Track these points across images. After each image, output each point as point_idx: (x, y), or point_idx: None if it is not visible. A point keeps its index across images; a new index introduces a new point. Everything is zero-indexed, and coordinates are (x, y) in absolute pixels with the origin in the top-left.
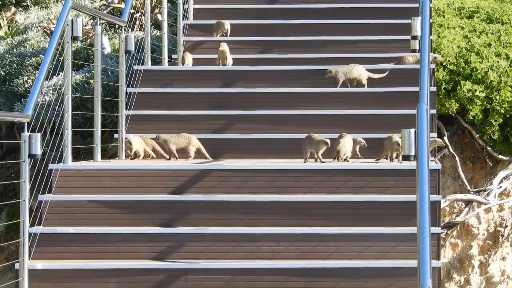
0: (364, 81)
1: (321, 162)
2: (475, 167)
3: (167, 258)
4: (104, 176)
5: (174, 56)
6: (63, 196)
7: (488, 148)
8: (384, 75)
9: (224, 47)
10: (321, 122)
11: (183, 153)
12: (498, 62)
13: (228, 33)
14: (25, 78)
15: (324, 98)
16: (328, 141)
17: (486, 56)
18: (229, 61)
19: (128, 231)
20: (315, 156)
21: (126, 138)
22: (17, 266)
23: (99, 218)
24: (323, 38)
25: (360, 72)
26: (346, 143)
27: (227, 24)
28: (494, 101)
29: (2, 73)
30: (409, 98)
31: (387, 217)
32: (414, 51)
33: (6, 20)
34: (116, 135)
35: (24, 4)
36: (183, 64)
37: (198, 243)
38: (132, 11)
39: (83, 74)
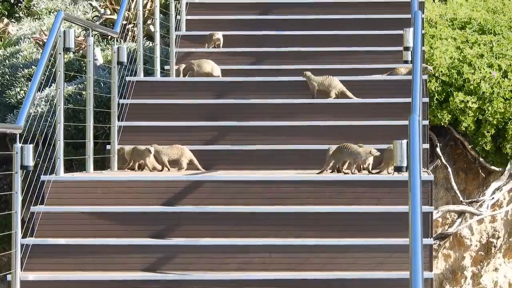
0: (333, 94)
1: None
2: (467, 178)
3: (159, 269)
4: (96, 188)
5: (166, 67)
6: (55, 207)
7: (481, 159)
8: (353, 98)
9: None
10: (314, 133)
11: (175, 164)
12: (490, 73)
13: (221, 44)
14: (18, 89)
15: (316, 109)
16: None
17: (478, 67)
18: (218, 72)
19: (121, 243)
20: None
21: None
22: (9, 277)
23: (91, 230)
24: (316, 49)
25: (335, 83)
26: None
27: (219, 35)
28: (486, 112)
29: None
30: (402, 109)
31: (379, 228)
32: (406, 62)
33: None
34: (108, 146)
35: (17, 15)
36: (178, 76)
37: (190, 254)
38: (125, 22)
39: (76, 85)
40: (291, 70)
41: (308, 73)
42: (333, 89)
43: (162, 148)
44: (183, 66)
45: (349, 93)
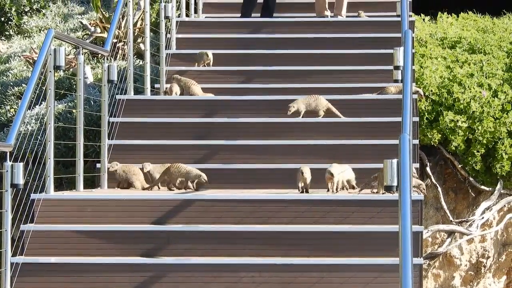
0: (321, 113)
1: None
2: (457, 197)
3: None
4: (86, 206)
5: (157, 85)
6: (45, 226)
7: (471, 179)
8: (340, 115)
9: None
10: (304, 152)
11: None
12: (480, 92)
13: (211, 63)
14: (8, 107)
15: (307, 128)
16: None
17: (468, 87)
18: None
19: (110, 261)
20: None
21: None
22: None
23: (81, 248)
24: (306, 68)
25: (322, 103)
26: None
27: (209, 54)
28: (476, 131)
29: None
30: (392, 128)
31: (369, 247)
32: (396, 81)
33: None
34: (98, 165)
35: (7, 33)
36: (170, 95)
37: (180, 273)
38: (115, 40)
39: (66, 104)
40: (280, 89)
41: (295, 104)
42: (321, 108)
43: (154, 166)
44: (174, 86)
45: (335, 111)
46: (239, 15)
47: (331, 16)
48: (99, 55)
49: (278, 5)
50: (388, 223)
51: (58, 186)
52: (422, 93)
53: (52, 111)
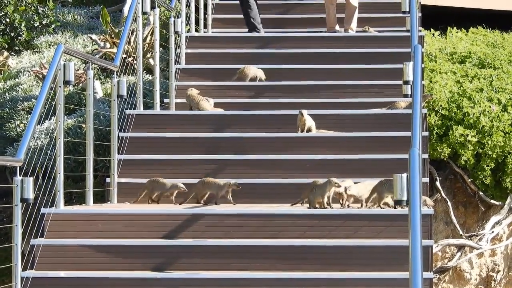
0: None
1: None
2: (467, 211)
3: None
4: (96, 221)
5: (166, 100)
6: (55, 240)
7: (480, 193)
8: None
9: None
10: (313, 167)
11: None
12: (490, 107)
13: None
14: (17, 122)
15: (316, 143)
16: None
17: (478, 101)
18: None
19: (120, 275)
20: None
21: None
22: None
23: (91, 262)
24: (315, 83)
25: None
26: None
27: (259, 72)
28: (486, 146)
29: None
30: (401, 143)
31: (379, 261)
32: (406, 96)
33: None
34: (108, 180)
35: (16, 48)
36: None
37: None
38: (124, 55)
39: (75, 119)
40: (290, 104)
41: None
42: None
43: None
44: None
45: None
46: (247, 30)
47: (341, 31)
48: (109, 70)
49: (287, 20)
50: (398, 237)
51: (68, 201)
52: (430, 95)
53: (62, 126)
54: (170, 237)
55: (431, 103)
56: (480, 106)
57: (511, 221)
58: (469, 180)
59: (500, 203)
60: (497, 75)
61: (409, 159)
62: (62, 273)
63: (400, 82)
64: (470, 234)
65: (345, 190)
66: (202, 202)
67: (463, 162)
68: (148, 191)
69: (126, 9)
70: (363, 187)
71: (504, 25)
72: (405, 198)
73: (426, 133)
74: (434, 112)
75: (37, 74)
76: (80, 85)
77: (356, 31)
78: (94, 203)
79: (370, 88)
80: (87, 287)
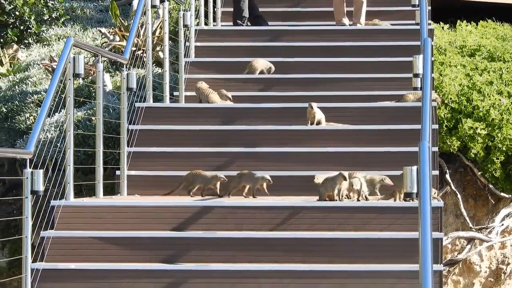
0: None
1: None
2: (477, 204)
3: None
4: (106, 213)
5: (175, 93)
6: (65, 232)
7: (490, 186)
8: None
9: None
10: (322, 160)
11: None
12: (499, 100)
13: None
14: (27, 115)
15: (326, 136)
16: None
17: (487, 94)
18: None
19: (130, 267)
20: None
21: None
22: None
23: (100, 254)
24: (324, 76)
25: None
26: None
27: (262, 64)
28: (495, 138)
29: (4, 110)
30: (411, 136)
31: (389, 254)
32: (415, 89)
33: (8, 57)
34: (118, 172)
35: (26, 41)
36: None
37: (199, 280)
38: (134, 48)
39: (85, 111)
40: (299, 97)
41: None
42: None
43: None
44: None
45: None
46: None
47: (350, 25)
48: (118, 63)
49: (296, 13)
50: (408, 229)
51: (78, 193)
52: (440, 100)
53: (72, 119)
54: (179, 229)
55: (441, 96)
56: (489, 99)
57: None
58: (479, 173)
59: (510, 195)
60: (507, 68)
61: (419, 152)
62: (72, 265)
63: (409, 75)
64: (480, 226)
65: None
66: (244, 195)
67: (473, 155)
68: (187, 183)
69: (135, 2)
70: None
71: None
72: (415, 190)
73: (436, 126)
74: (444, 105)
75: (47, 67)
76: (90, 78)
77: (367, 24)
78: (104, 195)
79: (379, 81)
80: (97, 279)
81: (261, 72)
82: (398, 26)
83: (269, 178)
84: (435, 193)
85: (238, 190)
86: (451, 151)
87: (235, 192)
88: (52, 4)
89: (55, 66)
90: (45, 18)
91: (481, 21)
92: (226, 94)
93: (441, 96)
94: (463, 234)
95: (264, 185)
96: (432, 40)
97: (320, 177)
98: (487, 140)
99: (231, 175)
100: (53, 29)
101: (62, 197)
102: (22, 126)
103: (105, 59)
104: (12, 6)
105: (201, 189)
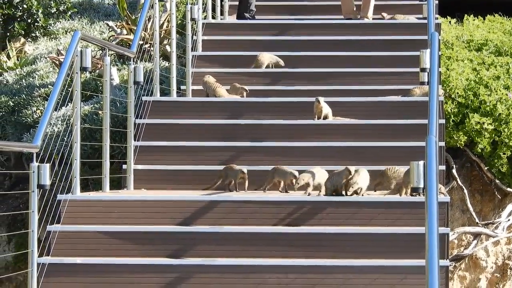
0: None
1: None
2: (483, 199)
3: None
4: (112, 207)
5: (183, 87)
6: (71, 226)
7: (497, 181)
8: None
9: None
10: (329, 154)
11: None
12: (506, 94)
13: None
14: (34, 108)
15: (332, 130)
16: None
17: (494, 89)
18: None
19: (136, 262)
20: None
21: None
22: None
23: (107, 249)
24: (331, 70)
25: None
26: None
27: (268, 58)
28: (502, 133)
29: (11, 103)
30: (417, 131)
31: (395, 249)
32: (423, 83)
33: (15, 50)
34: (124, 166)
35: (33, 35)
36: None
37: (205, 275)
38: (141, 42)
39: (92, 105)
40: (306, 91)
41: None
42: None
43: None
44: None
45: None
46: (264, 17)
47: (358, 18)
48: (125, 56)
49: (304, 7)
50: (414, 224)
51: (84, 187)
52: (442, 93)
53: (79, 113)
54: (186, 223)
55: (448, 90)
56: (496, 94)
57: None
58: (486, 168)
59: None
60: None
61: (426, 146)
62: (78, 260)
63: (416, 69)
64: (486, 222)
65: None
66: (280, 190)
67: (480, 150)
68: (223, 178)
69: None
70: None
71: None
72: (421, 185)
73: (443, 121)
74: (451, 99)
75: (54, 60)
76: (97, 71)
77: (374, 18)
78: (110, 189)
79: (386, 75)
80: (103, 274)
81: (268, 66)
82: (405, 20)
83: (296, 174)
84: (441, 188)
85: (273, 185)
86: (458, 146)
87: (271, 187)
88: None
89: (62, 60)
90: (53, 11)
91: (488, 15)
92: (242, 87)
93: (448, 90)
94: (470, 229)
95: (294, 181)
96: (439, 35)
97: (305, 177)
98: (494, 135)
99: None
100: (60, 22)
101: (69, 191)
102: (29, 120)
103: (112, 52)
104: None
105: (235, 184)
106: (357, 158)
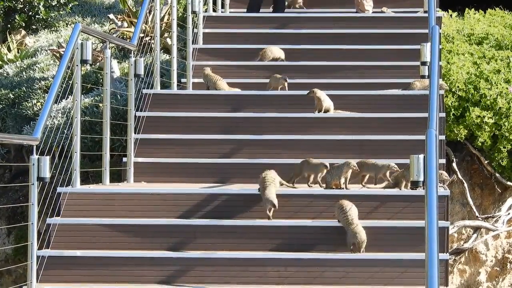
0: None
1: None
2: (483, 193)
3: (174, 282)
4: (112, 200)
5: (183, 80)
6: (71, 219)
7: (497, 175)
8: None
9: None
10: (330, 147)
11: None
12: (507, 88)
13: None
14: (34, 101)
15: (333, 124)
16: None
17: (495, 83)
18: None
19: (136, 255)
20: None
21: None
22: None
23: (107, 242)
24: (332, 63)
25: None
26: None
27: (274, 53)
28: (502, 127)
29: (11, 96)
30: (418, 124)
31: (395, 242)
32: (423, 77)
33: (16, 43)
34: (124, 159)
35: (34, 27)
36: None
37: (205, 267)
38: (142, 35)
39: (92, 98)
40: (307, 84)
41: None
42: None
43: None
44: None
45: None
46: (266, 10)
47: (357, 12)
48: (126, 49)
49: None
50: (414, 218)
51: (84, 180)
52: (445, 87)
53: (79, 105)
54: (186, 216)
55: (448, 84)
56: (497, 88)
57: None
58: (486, 162)
59: None
60: None
61: (426, 140)
62: (78, 252)
63: (417, 63)
64: (486, 215)
65: None
66: (309, 184)
67: (480, 144)
68: (297, 172)
69: None
70: None
71: None
72: (421, 179)
73: (443, 114)
74: (451, 93)
75: (54, 53)
76: (97, 64)
77: (375, 12)
78: (110, 182)
79: (386, 69)
80: (103, 266)
81: (272, 60)
82: (406, 13)
83: (327, 165)
84: (443, 174)
85: (302, 178)
86: (458, 139)
87: (299, 180)
88: None
89: (62, 52)
90: (54, 4)
91: (489, 9)
92: (283, 76)
93: (448, 84)
94: (470, 223)
95: (325, 171)
96: (440, 28)
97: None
98: (494, 129)
99: (237, 163)
100: (61, 15)
101: (69, 184)
102: (29, 112)
103: (113, 45)
104: None
105: (314, 178)
106: (357, 151)
